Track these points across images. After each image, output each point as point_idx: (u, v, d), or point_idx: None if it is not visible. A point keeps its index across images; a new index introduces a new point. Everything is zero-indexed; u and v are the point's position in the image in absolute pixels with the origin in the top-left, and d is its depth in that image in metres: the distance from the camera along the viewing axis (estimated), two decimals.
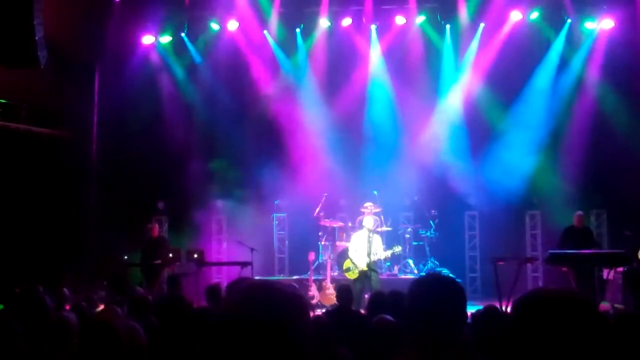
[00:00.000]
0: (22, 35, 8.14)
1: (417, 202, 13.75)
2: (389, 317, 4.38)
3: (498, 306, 7.08)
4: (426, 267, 13.11)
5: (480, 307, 4.85)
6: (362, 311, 7.11)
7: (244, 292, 1.53)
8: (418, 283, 2.26)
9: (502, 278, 9.75)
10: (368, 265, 10.40)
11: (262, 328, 1.45)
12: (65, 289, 7.02)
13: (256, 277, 10.97)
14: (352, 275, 10.58)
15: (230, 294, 1.64)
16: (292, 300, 1.51)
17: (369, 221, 10.98)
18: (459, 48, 14.54)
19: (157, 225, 13.34)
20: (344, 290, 6.47)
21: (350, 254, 10.82)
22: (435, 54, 14.61)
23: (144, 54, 15.11)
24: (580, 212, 11.31)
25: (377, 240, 10.73)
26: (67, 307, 6.24)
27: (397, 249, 10.94)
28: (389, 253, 10.77)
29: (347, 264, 10.82)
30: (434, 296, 2.16)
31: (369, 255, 10.40)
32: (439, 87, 14.54)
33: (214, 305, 6.13)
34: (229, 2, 14.57)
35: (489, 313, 4.35)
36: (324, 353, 4.16)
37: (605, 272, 10.38)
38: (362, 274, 10.44)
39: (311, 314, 5.15)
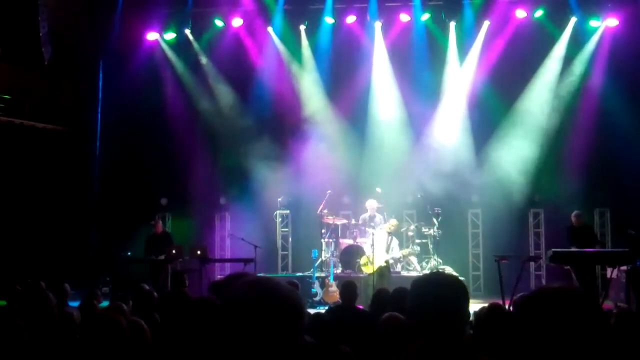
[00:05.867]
0: (27, 32, 8.16)
1: (420, 200, 13.74)
2: (396, 314, 4.35)
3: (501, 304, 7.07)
4: (429, 265, 13.10)
5: (483, 305, 4.84)
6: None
7: (241, 290, 1.54)
8: (420, 281, 2.26)
9: (505, 276, 9.75)
10: (386, 262, 10.86)
11: (257, 326, 1.47)
12: (66, 285, 7.02)
13: (259, 274, 10.97)
14: (367, 269, 11.03)
15: (229, 289, 1.65)
16: (288, 300, 1.53)
17: (372, 215, 11.32)
18: (463, 46, 14.51)
19: (160, 222, 13.34)
20: (348, 287, 6.30)
21: (366, 249, 11.39)
22: (439, 51, 14.57)
23: (148, 50, 15.10)
24: (577, 212, 11.07)
25: (395, 242, 11.39)
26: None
27: (414, 249, 11.87)
28: (405, 252, 11.42)
29: (364, 259, 11.31)
30: (436, 295, 2.16)
31: (387, 251, 10.94)
32: (443, 84, 14.50)
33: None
34: None
35: (493, 311, 4.33)
36: (325, 350, 4.16)
37: (608, 271, 10.35)
38: (378, 271, 10.71)
39: (311, 312, 5.15)
